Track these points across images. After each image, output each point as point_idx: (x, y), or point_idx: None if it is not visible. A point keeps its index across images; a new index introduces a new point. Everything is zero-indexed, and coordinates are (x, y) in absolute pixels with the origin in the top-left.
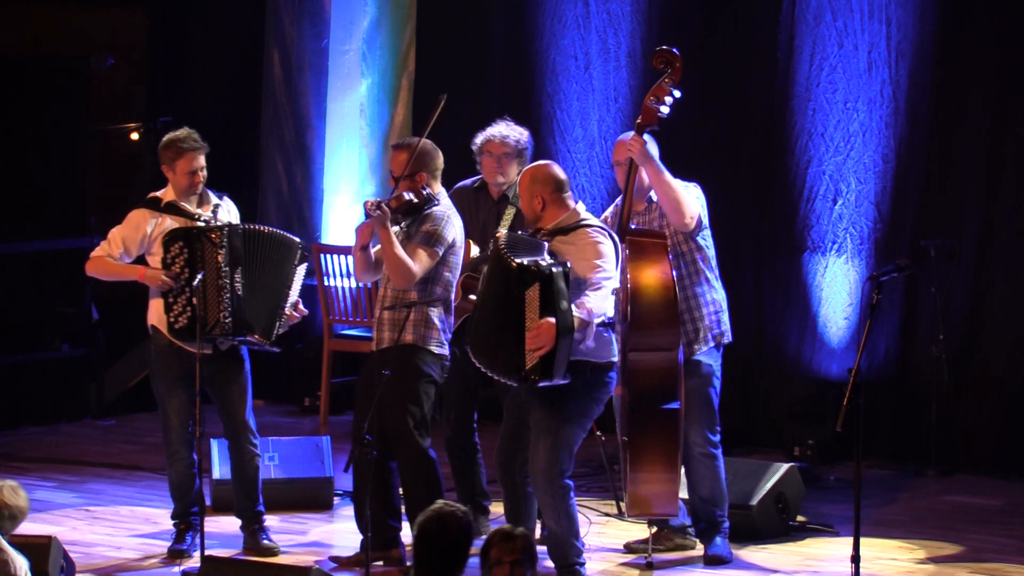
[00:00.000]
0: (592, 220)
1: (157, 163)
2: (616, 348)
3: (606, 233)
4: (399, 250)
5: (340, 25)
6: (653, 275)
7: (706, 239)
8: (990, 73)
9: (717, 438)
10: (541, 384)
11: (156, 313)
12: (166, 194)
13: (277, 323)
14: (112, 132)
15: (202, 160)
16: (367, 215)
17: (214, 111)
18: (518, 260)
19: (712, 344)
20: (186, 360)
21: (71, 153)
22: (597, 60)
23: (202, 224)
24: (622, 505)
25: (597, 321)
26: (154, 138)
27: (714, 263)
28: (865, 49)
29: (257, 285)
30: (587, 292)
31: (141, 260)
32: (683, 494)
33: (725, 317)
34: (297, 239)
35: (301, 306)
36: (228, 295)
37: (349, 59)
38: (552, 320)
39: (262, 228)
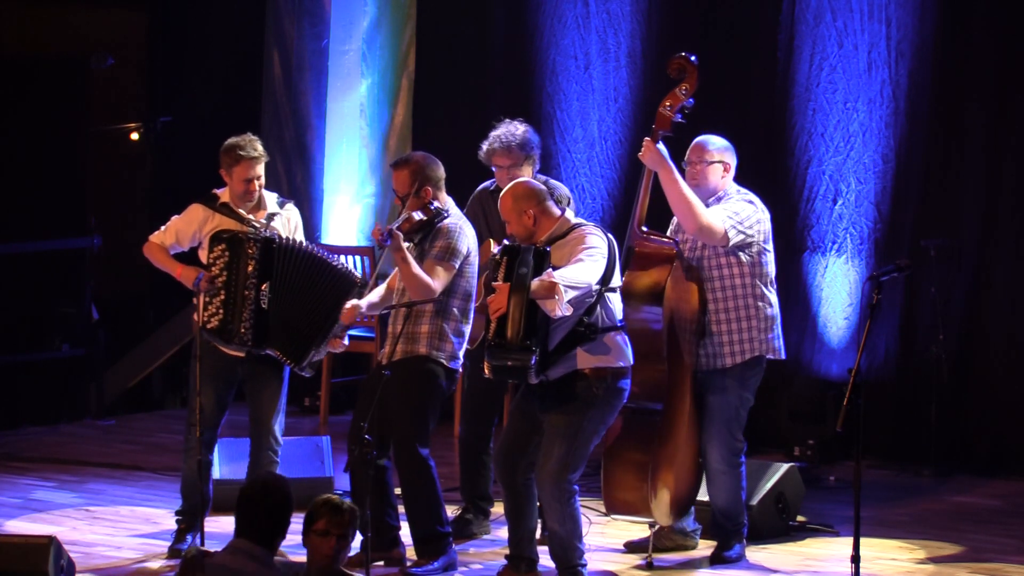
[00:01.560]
0: (585, 222)
1: (157, 163)
2: (631, 353)
3: (600, 230)
4: (418, 270)
5: (340, 25)
6: (645, 283)
7: (754, 256)
8: (990, 73)
9: (737, 455)
10: (502, 350)
11: (199, 311)
12: (224, 194)
13: (312, 350)
14: (112, 132)
15: (259, 169)
16: (379, 245)
17: (214, 111)
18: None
19: (741, 360)
20: (223, 360)
21: (71, 153)
22: (597, 60)
23: (251, 231)
24: None
25: (568, 286)
26: (154, 138)
27: (761, 280)
28: (865, 49)
29: (286, 303)
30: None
31: (193, 253)
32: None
33: (763, 336)
34: (358, 275)
35: (344, 340)
36: (252, 306)
37: (349, 59)
38: (507, 283)
39: (308, 250)
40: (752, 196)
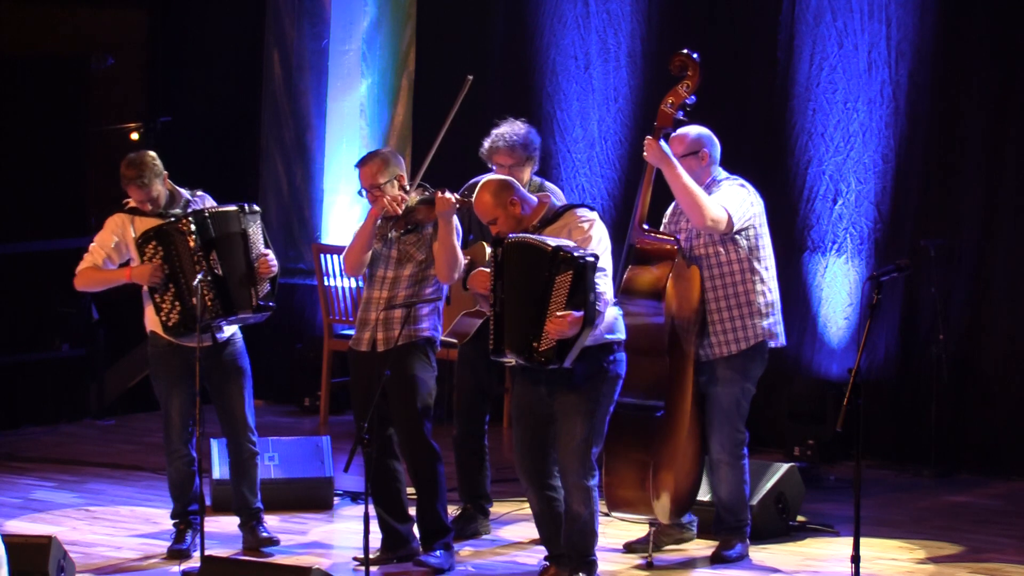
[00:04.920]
0: (572, 204)
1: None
2: (624, 327)
3: (595, 214)
4: (459, 245)
5: (340, 25)
6: (647, 281)
7: (750, 239)
8: (989, 73)
9: (739, 446)
10: (549, 367)
11: (151, 317)
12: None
13: (252, 289)
14: (112, 132)
15: (146, 194)
16: (461, 204)
17: (214, 111)
18: (553, 243)
19: (744, 347)
20: (186, 357)
21: (71, 153)
22: (597, 60)
23: (172, 219)
24: None
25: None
26: (154, 138)
27: (760, 264)
28: (865, 49)
29: (231, 262)
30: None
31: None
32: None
33: (765, 322)
34: (234, 206)
35: (269, 259)
36: (209, 278)
37: (349, 59)
38: (580, 314)
39: (222, 207)
40: (742, 180)
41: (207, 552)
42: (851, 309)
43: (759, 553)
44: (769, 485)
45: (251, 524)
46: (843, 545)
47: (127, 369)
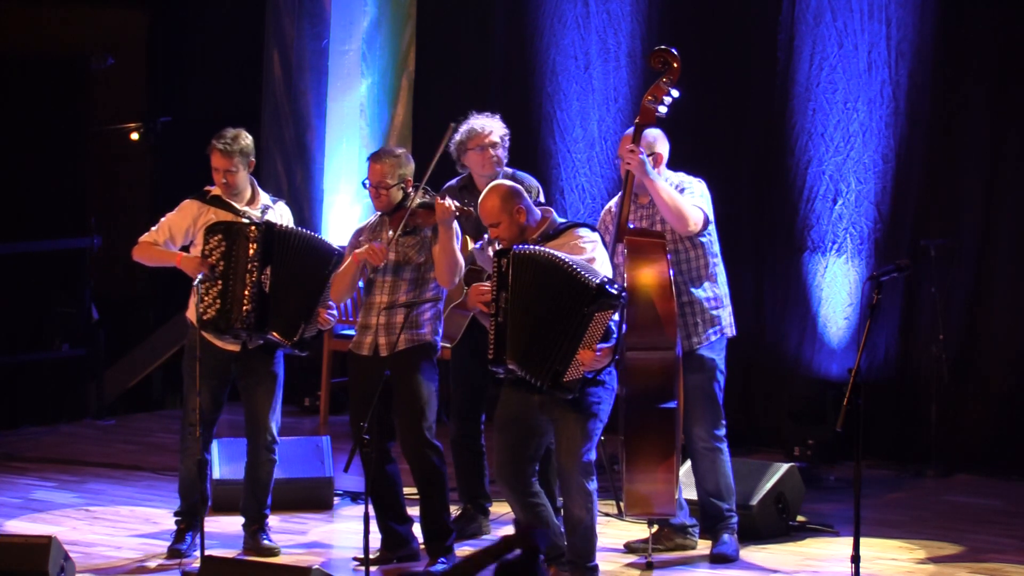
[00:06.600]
0: (572, 223)
1: (157, 163)
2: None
3: (593, 230)
4: (458, 250)
5: (340, 25)
6: (650, 275)
7: (709, 234)
8: (990, 73)
9: (722, 432)
10: (567, 396)
11: (192, 307)
12: (216, 188)
13: (302, 325)
14: (112, 132)
15: (227, 163)
16: (460, 212)
17: (214, 111)
18: (596, 280)
19: (714, 338)
20: (216, 357)
21: (71, 153)
22: (597, 60)
23: (245, 220)
24: (622, 505)
25: None
26: (154, 138)
27: (717, 259)
28: (865, 49)
29: (285, 285)
30: None
31: (187, 250)
32: (686, 495)
33: (727, 312)
34: (335, 248)
35: (334, 315)
36: (255, 290)
37: (349, 59)
38: (610, 345)
39: (300, 231)
40: (698, 177)
41: (207, 552)
42: (851, 309)
43: (759, 553)
44: (769, 485)
45: (254, 529)
46: (843, 545)
47: (127, 369)
